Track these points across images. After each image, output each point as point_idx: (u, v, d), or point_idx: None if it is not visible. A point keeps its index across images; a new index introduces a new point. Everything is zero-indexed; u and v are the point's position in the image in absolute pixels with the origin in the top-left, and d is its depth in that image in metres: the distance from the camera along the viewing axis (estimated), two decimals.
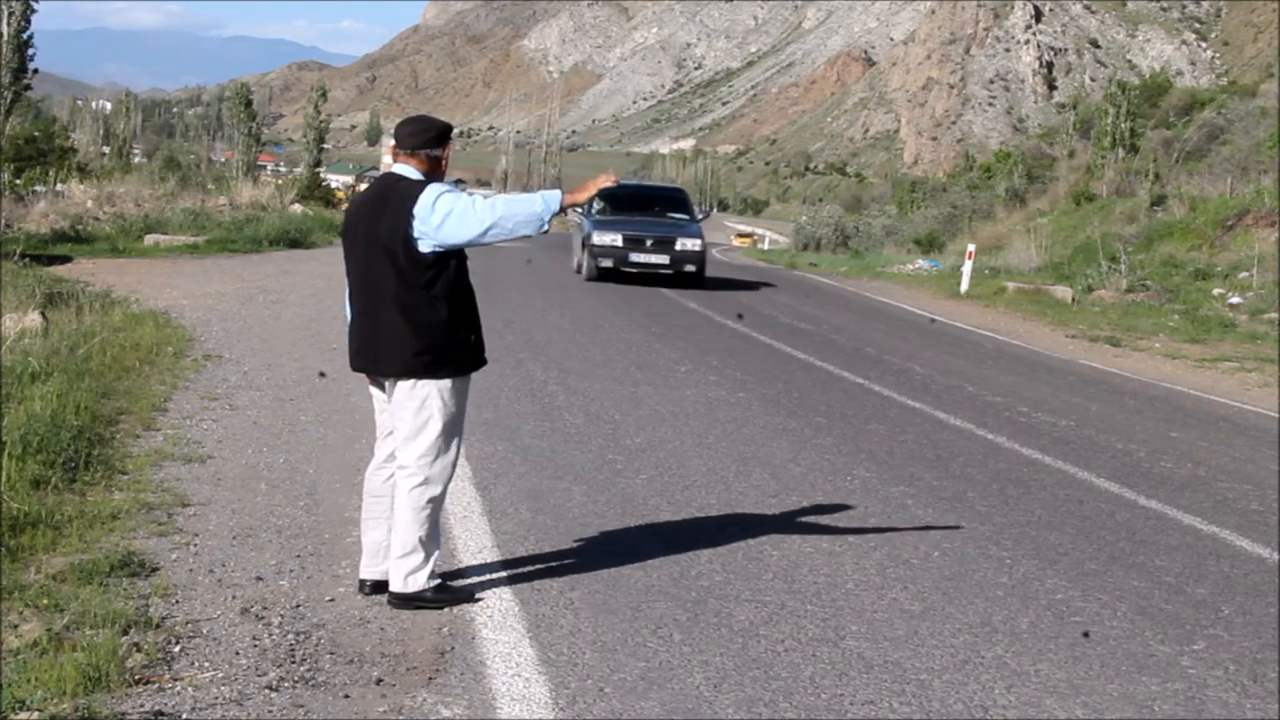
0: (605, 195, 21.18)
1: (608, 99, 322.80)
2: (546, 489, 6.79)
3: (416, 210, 4.66)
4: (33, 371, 8.06)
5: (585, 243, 21.12)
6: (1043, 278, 25.13)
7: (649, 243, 20.81)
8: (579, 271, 21.97)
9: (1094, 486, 7.84)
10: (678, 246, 20.81)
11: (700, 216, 22.76)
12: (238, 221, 27.12)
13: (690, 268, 20.88)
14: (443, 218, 4.64)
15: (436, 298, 4.74)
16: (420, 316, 4.73)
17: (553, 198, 4.75)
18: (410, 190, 4.72)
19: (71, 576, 4.77)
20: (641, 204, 22.46)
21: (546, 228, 4.73)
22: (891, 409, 10.30)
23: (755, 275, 26.97)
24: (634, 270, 20.68)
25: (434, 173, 4.84)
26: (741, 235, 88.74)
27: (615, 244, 20.70)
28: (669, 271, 20.80)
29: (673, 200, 23.31)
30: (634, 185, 27.13)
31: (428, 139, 4.85)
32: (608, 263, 20.70)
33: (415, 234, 4.67)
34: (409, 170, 4.84)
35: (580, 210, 20.69)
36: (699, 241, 21.10)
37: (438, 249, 4.70)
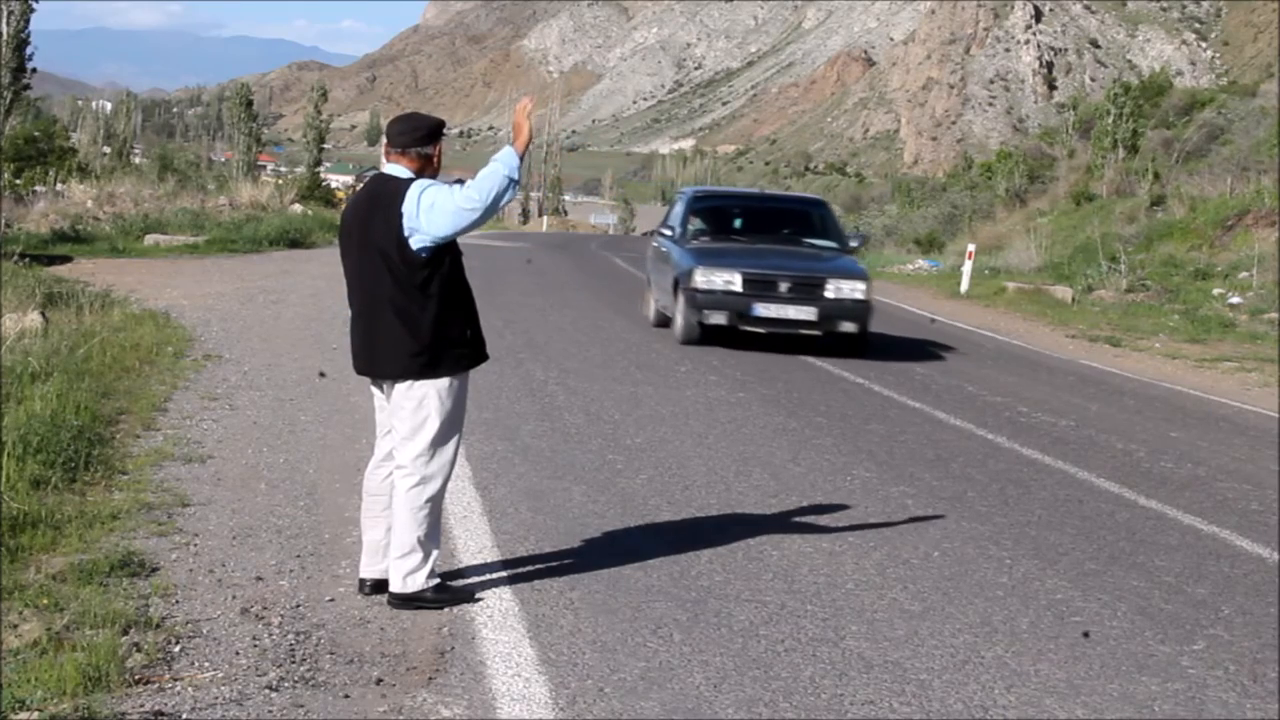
0: (703, 209, 15.16)
1: (608, 99, 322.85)
2: (546, 489, 6.79)
3: (404, 209, 4.67)
4: (33, 371, 8.06)
5: (679, 284, 13.43)
6: (1043, 278, 25.13)
7: (784, 286, 13.13)
8: (660, 325, 14.78)
9: (1094, 486, 7.84)
10: (829, 292, 13.12)
11: (854, 244, 15.12)
12: (237, 221, 27.13)
13: (849, 327, 13.18)
14: (427, 212, 4.66)
15: (431, 298, 4.74)
16: (416, 318, 4.74)
17: (509, 155, 4.73)
18: (397, 190, 4.73)
19: (71, 576, 4.77)
20: (761, 222, 15.00)
21: (519, 180, 4.74)
22: (891, 409, 10.30)
23: None
24: (760, 331, 13.23)
25: (425, 171, 4.84)
26: None
27: (731, 288, 13.08)
28: (817, 333, 13.26)
29: (809, 217, 15.26)
30: (752, 195, 18.67)
31: (418, 137, 4.85)
32: (718, 318, 13.09)
33: (406, 232, 4.68)
34: (399, 170, 4.84)
35: (669, 233, 14.56)
36: (863, 285, 13.28)
37: (430, 245, 4.70)
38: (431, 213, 4.65)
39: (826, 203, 16.90)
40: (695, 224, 14.70)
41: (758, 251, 13.97)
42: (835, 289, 13.16)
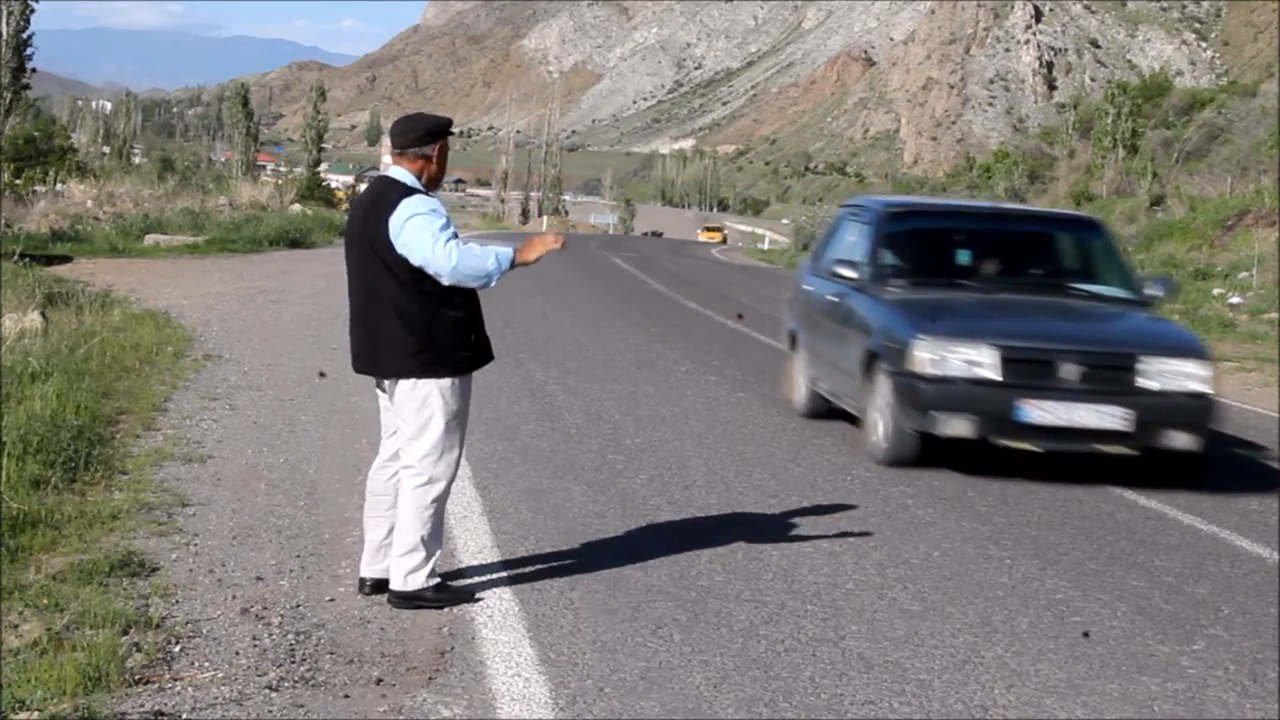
0: (905, 234, 9.48)
1: (608, 99, 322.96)
2: (546, 489, 6.79)
3: (391, 222, 4.69)
4: (33, 371, 8.06)
5: (879, 362, 8.06)
6: None
7: (1071, 370, 7.68)
8: (816, 415, 9.44)
9: (1094, 487, 7.83)
10: (1147, 380, 7.70)
11: (1156, 293, 8.98)
12: (237, 221, 27.14)
13: (1183, 441, 7.67)
14: (408, 239, 4.67)
15: (430, 297, 4.75)
16: (415, 317, 4.75)
17: (505, 258, 4.74)
18: (392, 198, 4.74)
19: (71, 576, 4.77)
20: (998, 255, 9.12)
21: (492, 285, 4.75)
22: None
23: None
24: (1035, 448, 7.74)
25: (425, 172, 4.85)
26: (709, 229, 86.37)
27: (979, 373, 7.63)
28: (1129, 452, 7.80)
29: (1073, 246, 9.64)
30: (979, 210, 11.50)
31: (416, 138, 4.85)
32: (959, 426, 7.59)
33: (391, 240, 4.70)
34: (401, 173, 4.84)
35: (850, 274, 8.80)
36: (1201, 367, 7.81)
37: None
38: (410, 244, 4.67)
39: (1103, 224, 10.25)
40: (889, 258, 9.08)
41: (1008, 307, 8.51)
42: (1157, 374, 7.73)
